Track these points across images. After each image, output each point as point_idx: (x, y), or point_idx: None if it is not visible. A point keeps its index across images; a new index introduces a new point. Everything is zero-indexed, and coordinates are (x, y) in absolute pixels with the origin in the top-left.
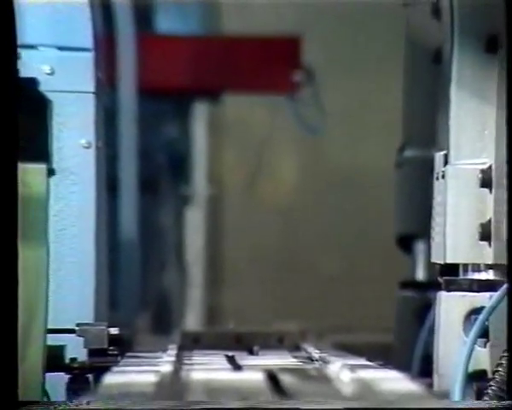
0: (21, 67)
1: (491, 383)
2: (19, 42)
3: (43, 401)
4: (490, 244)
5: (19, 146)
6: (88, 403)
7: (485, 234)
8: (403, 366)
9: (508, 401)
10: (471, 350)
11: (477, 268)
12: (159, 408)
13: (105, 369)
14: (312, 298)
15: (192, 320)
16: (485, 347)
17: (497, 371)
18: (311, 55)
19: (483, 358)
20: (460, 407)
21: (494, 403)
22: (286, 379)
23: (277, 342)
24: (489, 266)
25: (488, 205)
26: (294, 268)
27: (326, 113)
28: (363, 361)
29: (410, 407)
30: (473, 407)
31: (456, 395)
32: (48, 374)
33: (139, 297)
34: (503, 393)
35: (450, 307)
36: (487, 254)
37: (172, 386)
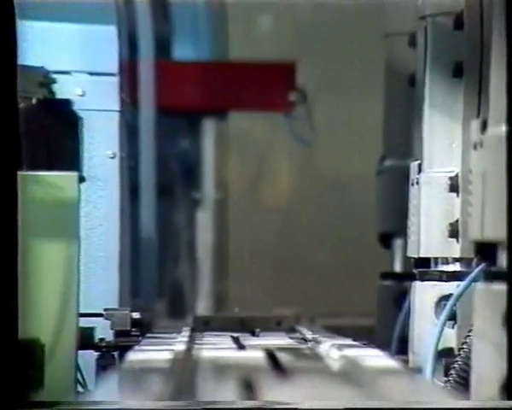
0: (57, 90)
1: (457, 358)
2: (54, 68)
3: (46, 400)
4: (457, 241)
5: (19, 155)
6: (89, 403)
7: (453, 232)
8: (383, 345)
9: (508, 401)
10: (441, 331)
11: (446, 261)
12: (159, 408)
13: (128, 348)
14: (306, 287)
15: (202, 306)
16: (452, 328)
17: (462, 348)
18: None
19: (451, 337)
20: (460, 407)
21: (494, 403)
22: (283, 357)
23: (276, 325)
24: (456, 260)
25: (455, 207)
26: (290, 261)
27: (316, 128)
28: (349, 341)
29: (410, 403)
30: (473, 406)
31: (428, 369)
32: (80, 352)
33: (157, 286)
34: (466, 367)
35: (424, 294)
36: (455, 249)
37: (185, 362)
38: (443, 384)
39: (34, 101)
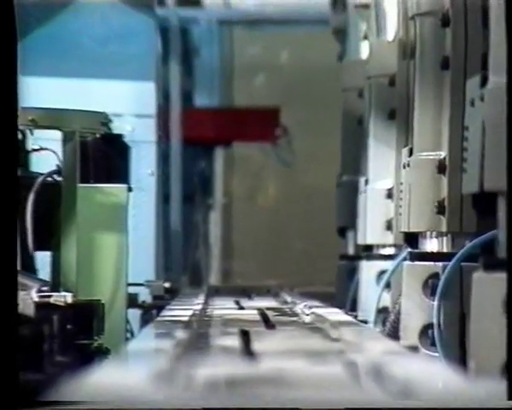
0: (114, 128)
1: (391, 314)
2: (111, 112)
3: (49, 400)
4: (391, 232)
5: (18, 160)
6: (88, 403)
7: (389, 226)
8: (340, 305)
9: (508, 401)
10: (380, 295)
11: (383, 247)
12: (159, 408)
13: (162, 308)
14: (288, 265)
15: (214, 279)
16: (388, 293)
17: (394, 307)
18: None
19: (387, 299)
20: (461, 407)
21: (494, 403)
22: (270, 314)
23: (266, 292)
24: (391, 245)
25: (391, 209)
26: (277, 247)
27: (295, 154)
28: (317, 303)
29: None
30: (473, 407)
31: (372, 321)
32: (129, 310)
33: (182, 264)
34: (397, 319)
35: (368, 270)
36: (390, 238)
37: (201, 318)
38: (381, 331)
39: (98, 135)
